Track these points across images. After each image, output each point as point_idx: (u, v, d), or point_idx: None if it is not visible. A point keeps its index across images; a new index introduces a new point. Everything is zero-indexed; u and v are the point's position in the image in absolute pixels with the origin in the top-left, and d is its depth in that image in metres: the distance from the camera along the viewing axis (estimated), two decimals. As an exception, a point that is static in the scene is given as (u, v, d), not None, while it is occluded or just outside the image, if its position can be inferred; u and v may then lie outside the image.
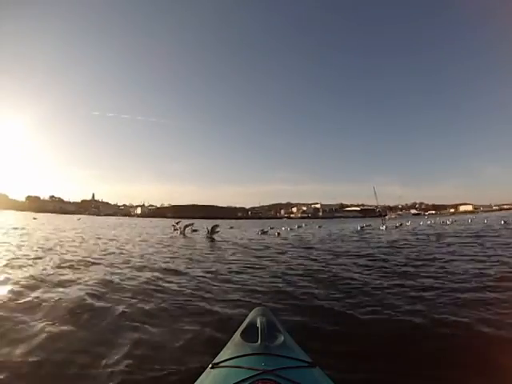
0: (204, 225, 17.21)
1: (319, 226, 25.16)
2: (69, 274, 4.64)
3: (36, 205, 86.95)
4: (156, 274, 4.80)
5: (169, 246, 9.72)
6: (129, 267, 5.39)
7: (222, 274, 4.85)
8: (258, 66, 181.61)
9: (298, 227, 23.76)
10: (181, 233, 15.62)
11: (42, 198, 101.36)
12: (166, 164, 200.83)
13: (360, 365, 1.93)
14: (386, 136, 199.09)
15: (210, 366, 1.06)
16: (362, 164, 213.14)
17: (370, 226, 21.46)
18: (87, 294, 3.51)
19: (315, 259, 6.55)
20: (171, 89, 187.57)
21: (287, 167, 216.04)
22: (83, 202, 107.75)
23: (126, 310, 2.99)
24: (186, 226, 16.33)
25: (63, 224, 25.31)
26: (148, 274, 4.73)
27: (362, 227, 19.44)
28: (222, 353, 1.16)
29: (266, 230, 17.54)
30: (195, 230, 16.75)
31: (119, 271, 5.00)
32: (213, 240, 12.13)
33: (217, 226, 14.47)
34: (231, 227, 25.50)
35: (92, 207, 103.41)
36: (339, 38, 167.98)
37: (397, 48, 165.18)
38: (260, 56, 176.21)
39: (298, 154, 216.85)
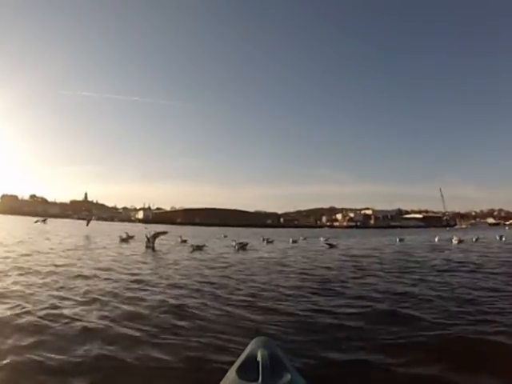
0: (222, 234, 16.58)
1: (327, 241, 18.20)
2: None
3: (11, 205, 78.11)
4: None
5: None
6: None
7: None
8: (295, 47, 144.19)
9: (293, 242, 18.40)
10: (147, 246, 12.16)
11: (20, 197, 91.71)
12: (178, 160, 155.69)
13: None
14: (455, 125, 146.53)
15: None
16: (425, 160, 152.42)
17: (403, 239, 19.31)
18: None
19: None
20: (180, 66, 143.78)
21: (330, 163, 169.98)
22: (73, 203, 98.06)
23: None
24: (156, 236, 12.65)
25: None
26: None
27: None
28: None
29: (245, 243, 14.28)
30: (184, 241, 14.72)
31: None
32: (153, 249, 11.42)
33: (158, 234, 13.20)
34: (225, 236, 22.41)
35: (83, 210, 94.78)
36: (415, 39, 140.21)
37: (479, 47, 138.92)
38: (293, 39, 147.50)
39: (344, 148, 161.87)
